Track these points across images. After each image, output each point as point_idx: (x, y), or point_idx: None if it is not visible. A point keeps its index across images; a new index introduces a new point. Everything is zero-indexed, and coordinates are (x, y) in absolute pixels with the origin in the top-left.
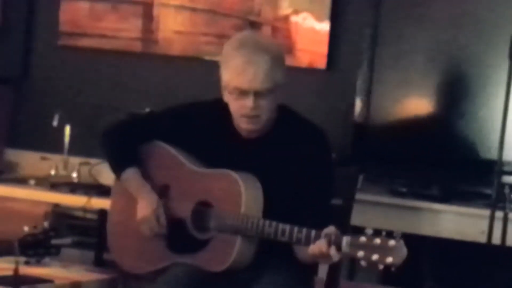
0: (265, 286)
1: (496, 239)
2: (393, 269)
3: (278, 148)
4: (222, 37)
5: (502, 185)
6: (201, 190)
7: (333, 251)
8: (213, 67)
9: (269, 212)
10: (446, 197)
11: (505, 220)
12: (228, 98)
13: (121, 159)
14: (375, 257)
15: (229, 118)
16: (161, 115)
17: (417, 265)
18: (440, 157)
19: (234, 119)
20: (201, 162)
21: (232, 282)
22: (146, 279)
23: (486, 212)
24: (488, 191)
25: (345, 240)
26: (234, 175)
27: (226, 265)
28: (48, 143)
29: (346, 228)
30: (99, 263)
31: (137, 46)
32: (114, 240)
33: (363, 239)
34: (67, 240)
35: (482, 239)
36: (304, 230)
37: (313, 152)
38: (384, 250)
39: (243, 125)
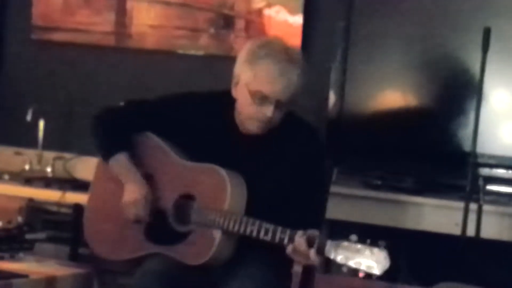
0: (242, 280)
1: (471, 231)
2: (373, 277)
3: (274, 145)
4: (195, 31)
5: (476, 177)
6: (186, 183)
7: (312, 253)
8: (187, 61)
9: (256, 209)
10: (420, 190)
11: (479, 212)
12: (242, 96)
13: (112, 142)
14: (357, 264)
15: (228, 111)
16: (156, 103)
17: (392, 257)
18: (414, 150)
19: (241, 117)
20: (192, 153)
21: (209, 275)
22: (121, 272)
23: (460, 204)
24: (462, 183)
25: (329, 244)
26: (221, 170)
27: (204, 259)
28: (22, 137)
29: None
30: (74, 257)
31: (111, 40)
32: (91, 226)
33: (347, 245)
34: (42, 235)
35: (457, 231)
36: (288, 231)
37: (308, 152)
38: (367, 258)
39: (251, 127)
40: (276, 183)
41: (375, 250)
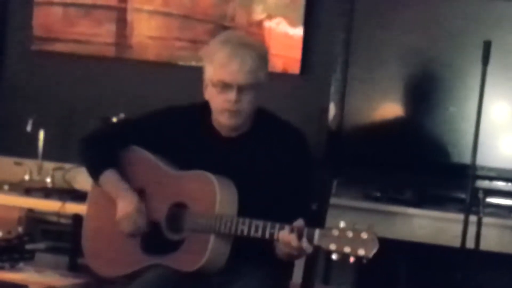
0: None
1: (470, 244)
2: (364, 261)
3: (257, 147)
4: (196, 42)
5: (475, 190)
6: (176, 192)
7: (305, 243)
8: (187, 72)
9: (245, 211)
10: (420, 202)
11: (479, 224)
12: (210, 93)
13: (99, 162)
14: (347, 249)
15: (207, 119)
16: (138, 121)
17: (391, 269)
18: (414, 162)
19: (215, 116)
20: (179, 164)
21: (206, 285)
22: (120, 283)
23: (460, 217)
24: (462, 195)
25: (317, 232)
26: (209, 175)
27: (199, 264)
28: (22, 148)
29: None
30: (74, 268)
31: (111, 51)
32: (89, 246)
33: (335, 231)
34: (41, 245)
35: (456, 243)
36: (277, 225)
37: (291, 151)
38: (356, 242)
39: (224, 120)
40: (261, 182)
41: (363, 234)
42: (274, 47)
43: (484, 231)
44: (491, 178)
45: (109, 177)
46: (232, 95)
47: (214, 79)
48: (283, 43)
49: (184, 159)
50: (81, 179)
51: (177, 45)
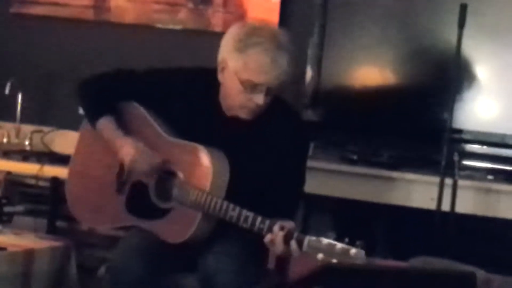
0: (219, 257)
1: (446, 206)
2: None
3: (259, 129)
4: (174, 5)
5: (451, 152)
6: (168, 159)
7: (294, 245)
8: (165, 35)
9: (237, 190)
10: (396, 164)
11: (454, 186)
12: (231, 84)
13: (98, 107)
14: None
15: (213, 91)
16: (144, 75)
17: (368, 232)
18: (391, 125)
19: (229, 103)
20: (176, 130)
21: (188, 252)
22: (99, 246)
23: (436, 179)
24: (438, 158)
25: (307, 240)
26: (205, 152)
27: (183, 238)
28: (0, 110)
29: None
30: (52, 230)
31: (89, 14)
32: (74, 190)
33: (325, 242)
34: (20, 208)
35: (432, 206)
36: (267, 221)
37: (292, 140)
38: (343, 257)
39: (241, 114)
40: (258, 165)
41: (353, 250)
42: (252, 11)
43: (459, 193)
44: (467, 141)
45: (107, 123)
46: (260, 97)
47: (243, 77)
48: (261, 6)
49: (182, 127)
50: (60, 142)
51: (156, 8)
